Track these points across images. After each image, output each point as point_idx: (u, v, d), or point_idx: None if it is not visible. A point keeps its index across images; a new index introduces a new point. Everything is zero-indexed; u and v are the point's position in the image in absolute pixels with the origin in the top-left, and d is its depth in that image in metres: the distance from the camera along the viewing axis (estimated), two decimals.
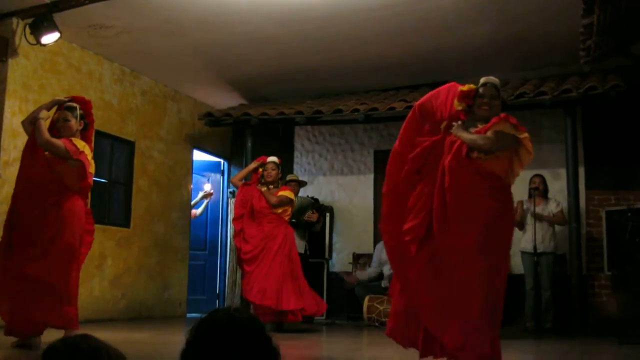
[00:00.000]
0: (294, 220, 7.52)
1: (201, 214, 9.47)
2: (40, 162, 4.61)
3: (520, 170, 3.71)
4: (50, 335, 3.45)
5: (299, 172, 9.16)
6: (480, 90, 3.72)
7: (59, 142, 4.55)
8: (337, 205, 9.06)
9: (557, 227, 7.24)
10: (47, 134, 4.58)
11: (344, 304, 8.42)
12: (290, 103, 8.59)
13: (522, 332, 6.85)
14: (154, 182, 8.43)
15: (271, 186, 6.74)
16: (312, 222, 7.90)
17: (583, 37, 5.26)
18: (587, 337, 6.51)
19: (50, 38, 6.43)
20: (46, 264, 4.46)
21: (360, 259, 8.61)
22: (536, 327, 6.95)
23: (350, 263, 8.68)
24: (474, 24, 6.80)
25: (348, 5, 6.36)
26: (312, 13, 6.52)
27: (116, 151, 7.95)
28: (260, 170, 6.85)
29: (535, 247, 6.96)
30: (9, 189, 6.18)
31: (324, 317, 7.94)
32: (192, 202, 9.33)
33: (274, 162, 6.82)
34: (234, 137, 9.94)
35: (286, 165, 8.25)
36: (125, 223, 7.96)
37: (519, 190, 3.93)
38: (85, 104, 4.90)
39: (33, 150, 4.67)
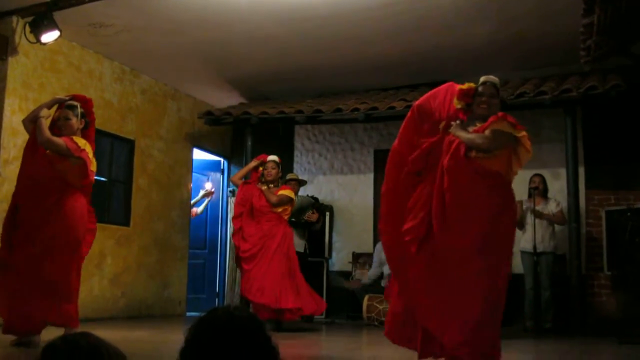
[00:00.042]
0: (293, 220, 7.52)
1: (202, 212, 9.48)
2: (41, 160, 4.61)
3: (519, 168, 3.71)
4: (50, 334, 3.44)
5: (298, 171, 9.16)
6: (480, 89, 3.73)
7: (60, 141, 4.55)
8: (337, 204, 9.06)
9: (556, 227, 7.24)
10: (48, 133, 4.58)
11: (344, 303, 8.43)
12: (290, 102, 8.58)
13: (521, 331, 6.85)
14: (153, 180, 8.43)
15: (271, 185, 6.73)
16: (312, 222, 7.90)
17: (583, 37, 5.26)
18: (586, 337, 6.50)
19: (50, 36, 6.43)
20: (48, 261, 4.46)
21: (360, 258, 8.60)
22: (536, 326, 6.95)
23: (349, 262, 8.68)
24: (473, 23, 6.80)
25: (348, 5, 6.36)
26: (312, 12, 6.52)
27: (116, 150, 7.94)
28: (261, 169, 6.85)
29: (534, 247, 6.96)
30: (8, 187, 6.19)
31: (323, 316, 7.94)
32: (193, 201, 9.34)
33: (274, 161, 6.82)
34: (234, 136, 9.94)
35: (286, 164, 8.25)
36: (125, 222, 7.96)
37: (519, 189, 3.93)
38: (86, 103, 4.90)
39: (34, 148, 4.67)
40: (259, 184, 6.77)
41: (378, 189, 6.90)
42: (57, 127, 4.72)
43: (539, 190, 7.15)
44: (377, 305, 7.39)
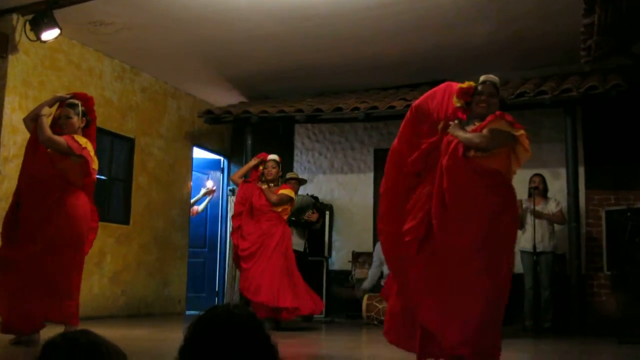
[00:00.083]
0: (293, 219, 7.52)
1: (203, 210, 9.49)
2: (43, 158, 4.60)
3: (518, 167, 3.71)
4: (50, 332, 3.44)
5: (298, 170, 9.16)
6: (479, 87, 3.73)
7: (61, 139, 4.54)
8: (336, 203, 9.06)
9: (556, 227, 7.24)
10: (49, 131, 4.58)
11: (343, 302, 8.43)
12: (290, 101, 8.58)
13: (521, 331, 6.85)
14: (153, 179, 8.43)
15: (271, 184, 6.73)
16: (312, 221, 7.89)
17: (584, 37, 5.26)
18: (586, 337, 6.51)
19: (50, 34, 6.43)
20: (49, 259, 4.46)
21: (360, 258, 8.60)
22: (535, 326, 6.95)
23: (349, 261, 8.68)
24: (474, 22, 6.80)
25: (348, 4, 6.36)
26: (312, 11, 6.52)
27: (116, 148, 7.95)
28: (261, 168, 6.84)
29: (534, 247, 6.97)
30: (8, 185, 6.19)
31: (322, 315, 7.94)
32: (195, 199, 9.34)
33: (274, 160, 6.81)
34: (234, 134, 9.94)
35: (286, 163, 8.25)
36: (125, 220, 7.96)
37: (519, 189, 3.92)
38: (87, 101, 4.88)
39: (35, 147, 4.67)
40: (259, 183, 6.77)
41: (378, 188, 6.91)
42: (58, 125, 4.71)
43: (539, 190, 7.15)
44: (377, 305, 7.39)
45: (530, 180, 7.20)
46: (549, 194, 7.31)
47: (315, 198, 8.57)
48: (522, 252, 7.11)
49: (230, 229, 7.60)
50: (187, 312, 8.87)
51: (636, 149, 7.48)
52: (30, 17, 6.42)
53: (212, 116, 8.50)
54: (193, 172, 9.34)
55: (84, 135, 4.74)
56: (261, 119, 8.18)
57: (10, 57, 6.50)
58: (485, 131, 3.58)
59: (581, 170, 7.62)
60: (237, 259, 6.66)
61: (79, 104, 4.78)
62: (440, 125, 3.73)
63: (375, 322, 7.25)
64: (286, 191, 6.69)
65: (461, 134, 3.60)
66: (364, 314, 7.52)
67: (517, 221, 3.99)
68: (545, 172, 7.42)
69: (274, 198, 6.58)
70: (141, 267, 8.12)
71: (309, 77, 8.54)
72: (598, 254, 7.56)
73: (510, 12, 6.53)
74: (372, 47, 7.48)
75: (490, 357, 3.48)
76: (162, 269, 8.51)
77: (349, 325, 7.63)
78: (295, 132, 9.50)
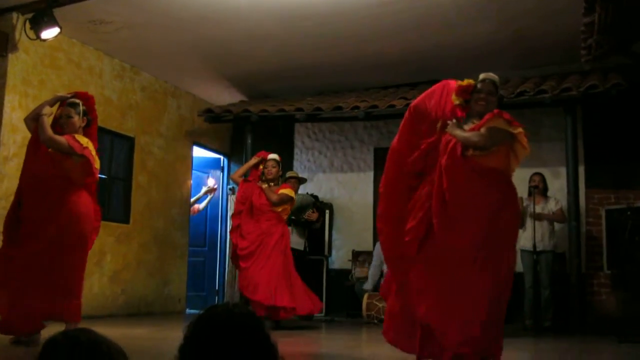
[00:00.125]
0: (293, 218, 7.52)
1: (204, 208, 9.49)
2: (44, 158, 4.59)
3: (517, 165, 3.71)
4: (50, 332, 3.44)
5: (298, 169, 9.16)
6: (479, 85, 3.73)
7: (62, 139, 4.53)
8: (336, 202, 9.06)
9: (556, 226, 7.24)
10: (49, 131, 4.57)
11: (343, 301, 8.43)
12: (290, 100, 8.58)
13: (521, 330, 6.85)
14: (153, 178, 8.43)
15: (272, 183, 6.73)
16: (312, 220, 7.89)
17: (584, 36, 5.25)
18: (586, 336, 6.51)
19: (50, 33, 6.42)
20: (52, 258, 4.46)
21: (360, 256, 8.60)
22: (535, 325, 6.95)
23: (349, 260, 8.68)
24: (474, 21, 6.80)
25: (348, 3, 6.36)
26: (312, 10, 6.51)
27: (116, 147, 7.94)
28: (261, 167, 6.84)
29: (534, 246, 6.97)
30: (8, 183, 6.20)
31: (323, 314, 7.94)
32: (196, 197, 9.35)
33: (274, 160, 6.81)
34: (234, 133, 9.94)
35: (286, 162, 8.25)
36: (125, 219, 7.96)
37: (519, 188, 3.91)
38: (88, 100, 4.87)
39: (36, 146, 4.66)
40: (260, 182, 6.77)
41: (378, 187, 6.92)
42: (59, 124, 4.70)
43: (539, 189, 7.16)
44: (377, 303, 7.39)
45: (530, 179, 7.20)
46: (549, 193, 7.32)
47: (315, 197, 8.57)
48: (522, 251, 7.11)
49: (230, 228, 7.60)
50: (187, 311, 8.88)
51: (636, 148, 7.48)
52: (30, 15, 6.41)
53: (212, 115, 8.50)
54: (193, 171, 9.34)
55: (85, 134, 4.73)
56: (261, 117, 8.18)
57: (10, 56, 6.49)
58: (483, 130, 3.58)
59: (581, 169, 7.62)
60: (235, 257, 6.66)
61: (80, 104, 4.77)
62: (439, 125, 3.73)
63: (376, 321, 7.25)
64: (286, 191, 6.69)
65: (459, 133, 3.60)
66: (364, 312, 7.52)
67: (519, 217, 3.98)
68: (545, 171, 7.42)
69: (274, 198, 6.58)
70: (141, 266, 8.12)
71: (309, 76, 8.54)
72: (598, 253, 7.56)
73: (511, 11, 6.52)
74: (372, 46, 7.47)
75: (491, 356, 3.48)
76: (162, 268, 8.51)
77: (349, 324, 7.63)
78: (295, 131, 9.50)
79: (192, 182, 9.29)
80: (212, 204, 9.70)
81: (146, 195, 8.28)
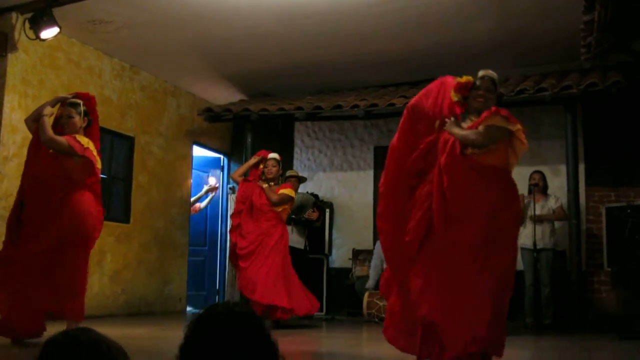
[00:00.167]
0: (293, 217, 7.51)
1: (205, 207, 9.50)
2: (45, 158, 4.59)
3: (516, 161, 3.70)
4: (50, 332, 3.45)
5: (298, 167, 9.15)
6: (477, 82, 3.73)
7: (63, 140, 4.53)
8: (337, 201, 9.06)
9: (556, 223, 7.24)
10: (50, 132, 4.56)
11: (344, 299, 8.44)
12: (290, 99, 8.58)
13: (521, 328, 6.85)
14: (153, 177, 8.43)
15: (272, 183, 6.73)
16: (312, 220, 7.88)
17: (584, 34, 5.26)
18: (586, 333, 6.52)
19: (49, 33, 6.42)
20: (55, 258, 4.46)
21: (360, 255, 8.60)
22: (535, 323, 6.96)
23: (349, 259, 8.68)
24: (474, 20, 6.79)
25: (348, 1, 6.36)
26: (312, 9, 6.51)
27: (116, 147, 7.94)
28: (261, 166, 6.84)
29: (534, 243, 6.97)
30: (8, 184, 6.20)
31: (323, 313, 7.94)
32: (197, 196, 9.35)
33: (274, 159, 6.81)
34: (234, 132, 9.94)
35: (286, 161, 8.25)
36: (125, 219, 7.96)
37: (519, 186, 3.90)
38: (89, 100, 4.86)
39: (37, 147, 4.66)
40: (260, 181, 6.77)
41: (378, 185, 6.92)
42: (60, 125, 4.70)
43: (539, 187, 7.16)
44: (378, 302, 7.39)
45: (530, 177, 7.20)
46: (549, 191, 7.32)
47: (315, 196, 8.57)
48: (523, 248, 7.10)
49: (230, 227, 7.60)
50: (188, 311, 8.88)
51: (636, 146, 7.48)
52: (29, 15, 6.41)
53: (212, 114, 8.50)
54: (193, 171, 9.34)
55: (86, 134, 4.72)
56: (261, 116, 8.18)
57: (10, 56, 6.49)
58: (481, 128, 3.58)
59: (581, 167, 7.62)
60: (233, 257, 6.65)
61: (81, 104, 4.76)
62: (437, 124, 3.73)
63: (376, 320, 7.25)
64: (287, 191, 6.69)
65: (457, 131, 3.59)
66: (365, 311, 7.52)
67: (519, 214, 3.97)
68: (545, 169, 7.41)
69: (274, 197, 6.58)
70: (141, 265, 8.13)
71: (309, 75, 8.54)
72: (598, 250, 7.56)
73: (510, 9, 6.52)
74: (372, 45, 7.47)
75: (494, 353, 3.48)
76: (163, 267, 8.51)
77: (350, 323, 7.64)
78: (295, 129, 9.50)
79: (192, 181, 9.29)
80: (212, 203, 9.70)
81: (146, 195, 8.28)
